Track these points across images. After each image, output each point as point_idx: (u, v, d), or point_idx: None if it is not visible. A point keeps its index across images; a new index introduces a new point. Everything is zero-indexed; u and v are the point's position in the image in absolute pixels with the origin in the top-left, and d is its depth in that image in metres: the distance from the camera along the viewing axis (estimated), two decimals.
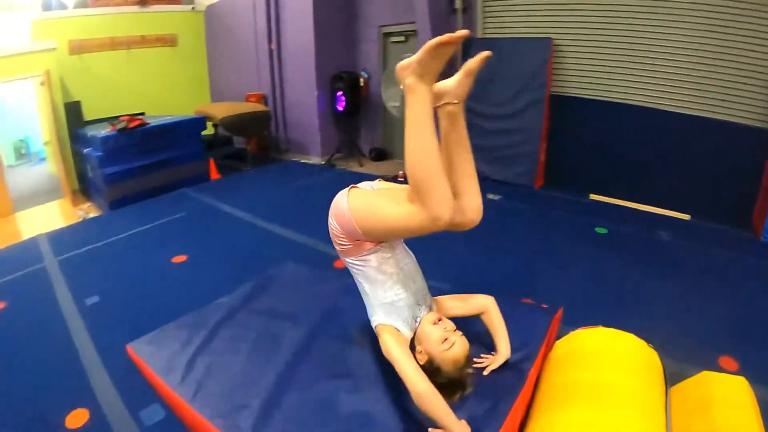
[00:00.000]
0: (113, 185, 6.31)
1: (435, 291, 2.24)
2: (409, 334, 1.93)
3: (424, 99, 1.57)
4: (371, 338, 2.05)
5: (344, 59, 8.26)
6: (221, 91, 10.26)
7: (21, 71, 7.25)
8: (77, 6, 8.44)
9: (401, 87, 1.64)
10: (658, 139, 5.27)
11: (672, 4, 4.89)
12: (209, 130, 8.32)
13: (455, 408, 1.74)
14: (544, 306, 2.55)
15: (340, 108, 8.02)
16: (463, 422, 1.70)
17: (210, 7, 9.86)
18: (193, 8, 9.86)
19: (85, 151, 6.82)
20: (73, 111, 7.76)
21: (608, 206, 5.44)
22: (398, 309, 1.95)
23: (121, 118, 6.74)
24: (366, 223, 1.83)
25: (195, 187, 7.00)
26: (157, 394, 2.39)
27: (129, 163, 6.45)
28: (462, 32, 1.47)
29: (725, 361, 2.69)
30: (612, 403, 1.76)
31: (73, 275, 4.23)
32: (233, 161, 8.60)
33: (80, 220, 6.19)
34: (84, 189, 7.54)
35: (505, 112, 6.11)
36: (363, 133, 8.65)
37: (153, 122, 7.00)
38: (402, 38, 7.54)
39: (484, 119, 6.26)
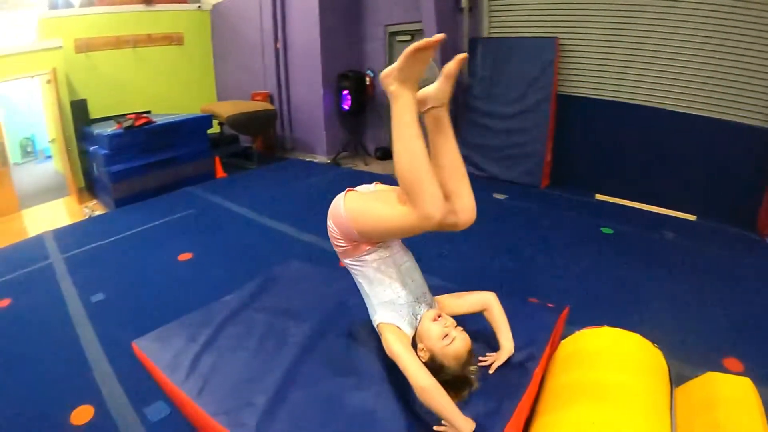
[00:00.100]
0: (119, 183, 6.33)
1: (440, 290, 2.26)
2: (410, 332, 1.95)
3: (408, 103, 1.68)
4: (376, 336, 2.06)
5: (350, 58, 8.25)
6: (227, 89, 10.27)
7: (27, 69, 7.28)
8: (83, 4, 8.46)
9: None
10: (664, 139, 5.25)
11: (678, 3, 4.86)
12: (215, 129, 8.35)
13: (461, 406, 1.74)
14: (550, 305, 2.55)
15: (346, 107, 8.02)
16: (468, 418, 1.70)
17: (216, 6, 9.87)
18: (199, 7, 9.87)
19: (92, 149, 6.86)
20: (79, 109, 7.79)
21: (614, 206, 5.43)
22: (398, 307, 1.97)
23: (127, 116, 6.76)
24: (362, 225, 1.90)
25: (201, 185, 7.01)
26: (162, 390, 2.40)
27: (135, 161, 6.47)
28: (437, 36, 1.59)
29: (730, 362, 2.68)
30: (617, 403, 1.75)
31: (79, 272, 4.25)
32: (239, 159, 8.61)
33: (86, 217, 6.22)
34: (90, 187, 7.57)
35: (511, 112, 6.10)
36: (369, 132, 8.64)
37: (159, 120, 7.02)
38: (408, 37, 7.52)
39: (490, 119, 6.26)
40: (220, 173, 7.62)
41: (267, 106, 8.57)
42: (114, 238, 5.07)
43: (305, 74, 8.35)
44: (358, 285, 2.11)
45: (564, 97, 5.89)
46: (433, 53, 1.63)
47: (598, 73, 5.65)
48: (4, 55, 6.97)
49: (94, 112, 8.19)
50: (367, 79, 8.09)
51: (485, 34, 6.45)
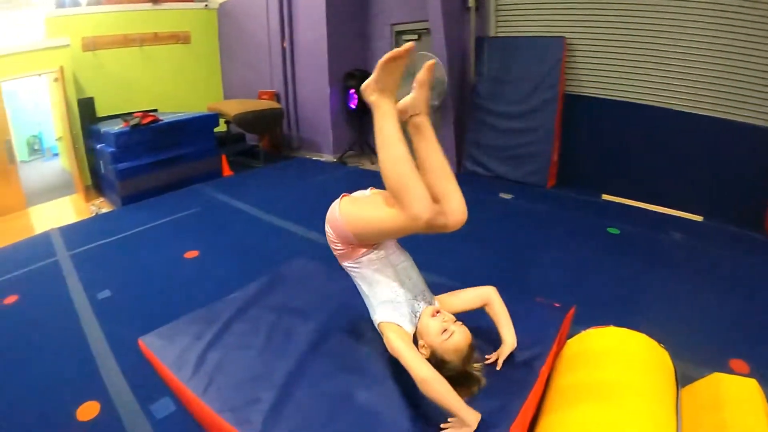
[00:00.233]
0: (126, 181, 6.34)
1: (445, 288, 2.26)
2: (411, 330, 1.98)
3: (388, 111, 1.80)
4: (381, 335, 2.06)
5: (357, 57, 8.26)
6: (234, 88, 10.30)
7: (35, 67, 7.33)
8: (90, 3, 8.48)
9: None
10: (670, 139, 5.23)
11: (686, 3, 4.84)
12: (222, 127, 8.37)
13: (468, 403, 1.74)
14: (557, 305, 2.54)
15: (353, 106, 8.01)
16: (473, 410, 1.71)
17: (223, 5, 9.90)
18: (206, 6, 9.89)
19: (98, 146, 6.89)
20: (86, 107, 7.82)
21: (620, 206, 5.41)
22: (397, 306, 2.01)
23: (134, 115, 6.77)
24: (356, 227, 1.98)
25: (207, 183, 7.02)
26: (168, 387, 2.41)
27: (142, 159, 6.49)
28: (407, 45, 1.70)
29: (736, 363, 2.66)
30: (623, 403, 1.75)
31: (86, 269, 4.26)
32: (245, 158, 8.63)
33: (93, 215, 6.24)
34: (97, 184, 7.60)
35: (518, 112, 6.09)
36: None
37: (166, 119, 7.03)
38: (414, 36, 7.50)
39: (497, 118, 6.25)
40: (227, 171, 7.63)
41: (274, 104, 8.58)
42: (120, 235, 5.08)
43: (312, 73, 8.35)
44: (357, 287, 2.16)
45: (571, 97, 5.87)
46: (406, 62, 1.73)
47: (605, 72, 5.63)
48: (12, 54, 7.01)
49: (101, 110, 8.21)
50: None
51: (492, 34, 6.44)
